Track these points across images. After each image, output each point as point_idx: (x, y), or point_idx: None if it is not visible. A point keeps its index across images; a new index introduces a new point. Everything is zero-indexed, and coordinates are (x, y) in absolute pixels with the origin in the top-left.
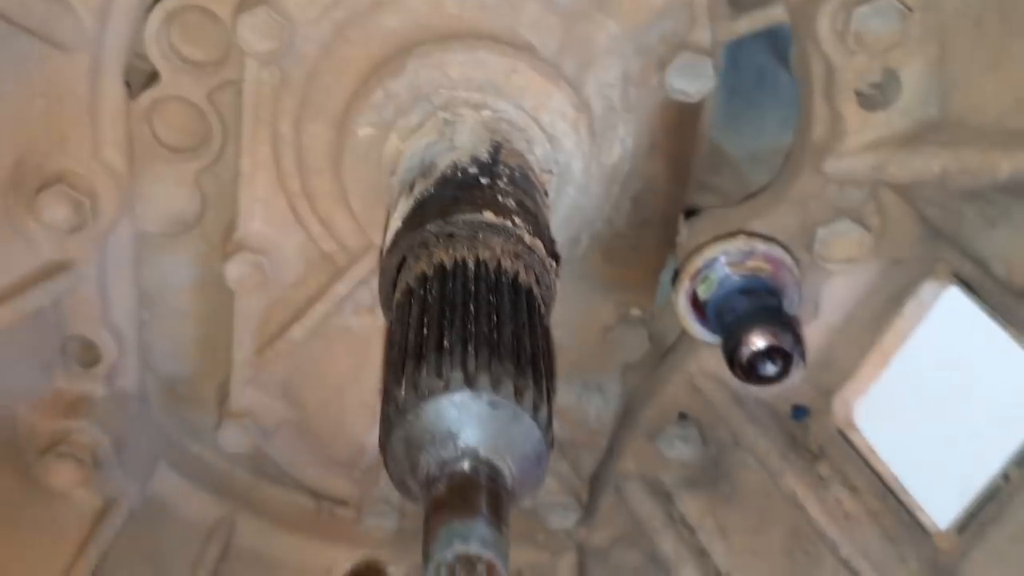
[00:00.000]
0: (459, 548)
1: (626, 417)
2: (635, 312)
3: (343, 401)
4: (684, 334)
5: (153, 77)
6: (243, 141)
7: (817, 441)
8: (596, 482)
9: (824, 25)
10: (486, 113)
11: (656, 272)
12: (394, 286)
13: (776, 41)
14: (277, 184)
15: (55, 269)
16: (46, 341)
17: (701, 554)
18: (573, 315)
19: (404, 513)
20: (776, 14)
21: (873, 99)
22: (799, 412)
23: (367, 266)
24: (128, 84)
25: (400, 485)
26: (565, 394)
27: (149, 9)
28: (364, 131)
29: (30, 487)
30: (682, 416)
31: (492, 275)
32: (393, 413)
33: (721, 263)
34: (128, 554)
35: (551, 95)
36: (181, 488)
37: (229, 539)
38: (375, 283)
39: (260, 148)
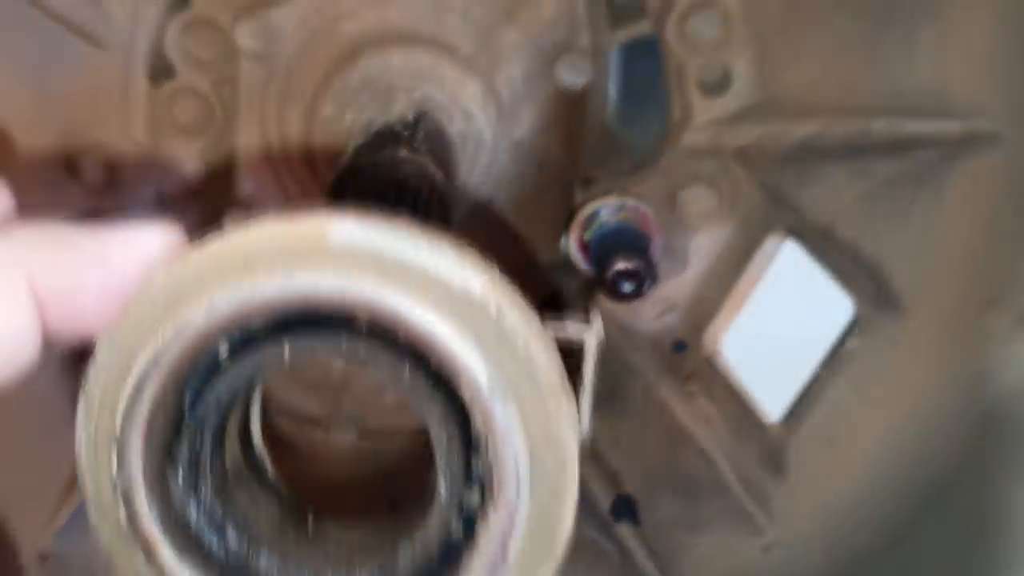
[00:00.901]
0: None
1: None
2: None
3: None
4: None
5: (169, 71)
6: (239, 121)
7: (690, 367)
8: None
9: (671, 31)
10: (416, 95)
11: (557, 225)
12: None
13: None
14: (264, 155)
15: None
16: None
17: (597, 457)
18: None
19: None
20: (644, 27)
21: (713, 88)
22: (679, 346)
23: None
24: (150, 77)
25: None
26: None
27: (169, 18)
28: (327, 111)
29: None
30: None
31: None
32: None
33: (601, 214)
34: None
35: (466, 84)
36: None
37: None
38: None
39: (251, 128)
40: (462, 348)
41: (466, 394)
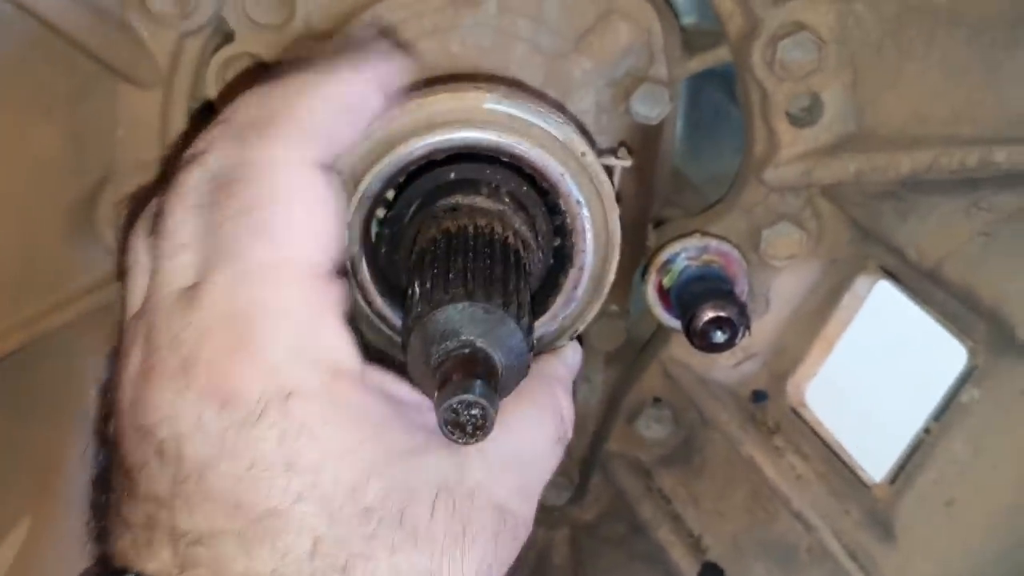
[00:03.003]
0: (462, 396)
1: (610, 403)
2: (614, 307)
3: None
4: (657, 330)
5: (211, 108)
6: None
7: (773, 418)
8: (585, 463)
9: (756, 57)
10: None
11: (629, 273)
12: (411, 254)
13: (728, 82)
14: None
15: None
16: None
17: (676, 519)
18: None
19: None
20: (722, 54)
21: (802, 119)
22: (759, 396)
23: None
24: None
25: (417, 375)
26: None
27: (211, 55)
28: None
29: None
30: (657, 400)
31: (486, 235)
32: (413, 321)
33: (681, 257)
34: None
35: None
36: None
37: None
38: None
39: None
40: (561, 174)
41: (562, 202)
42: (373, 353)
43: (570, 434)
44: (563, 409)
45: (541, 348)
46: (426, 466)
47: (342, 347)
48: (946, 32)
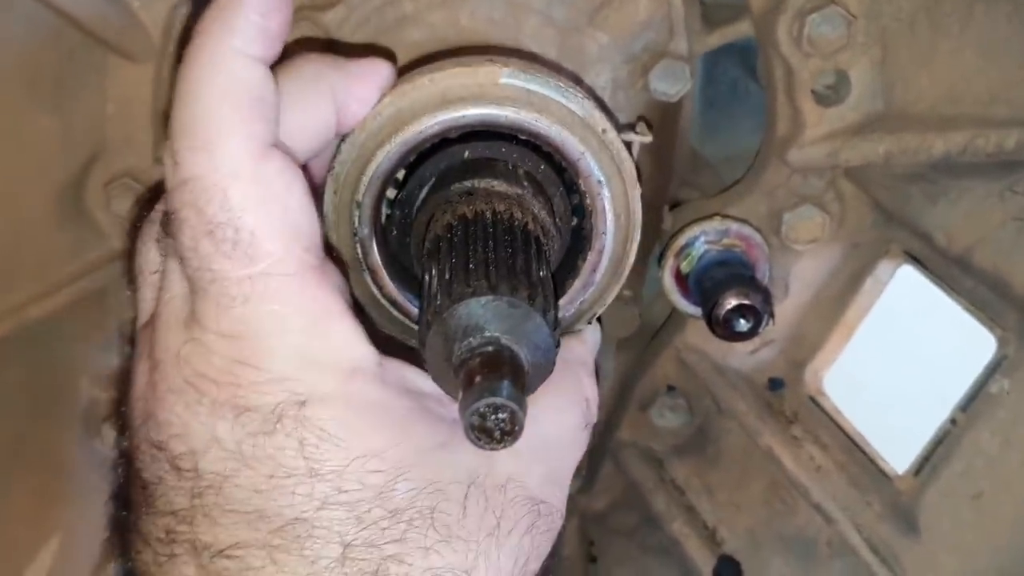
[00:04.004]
0: (489, 399)
1: (622, 391)
2: (626, 292)
3: None
4: (672, 316)
5: None
6: None
7: (791, 407)
8: (595, 452)
9: (782, 32)
10: None
11: (643, 257)
12: (423, 241)
13: (746, 57)
14: None
15: (120, 255)
16: (107, 320)
17: (689, 511)
18: None
19: None
20: (743, 28)
21: (828, 97)
22: (775, 384)
23: None
24: None
25: (437, 372)
26: None
27: None
28: None
29: (91, 452)
30: (671, 388)
31: (506, 221)
32: (432, 316)
33: (700, 241)
34: None
35: None
36: None
37: None
38: None
39: None
40: (582, 152)
41: (581, 181)
42: (382, 339)
43: (595, 417)
44: (588, 393)
45: (561, 331)
46: (454, 461)
47: (353, 343)
48: (985, 8)
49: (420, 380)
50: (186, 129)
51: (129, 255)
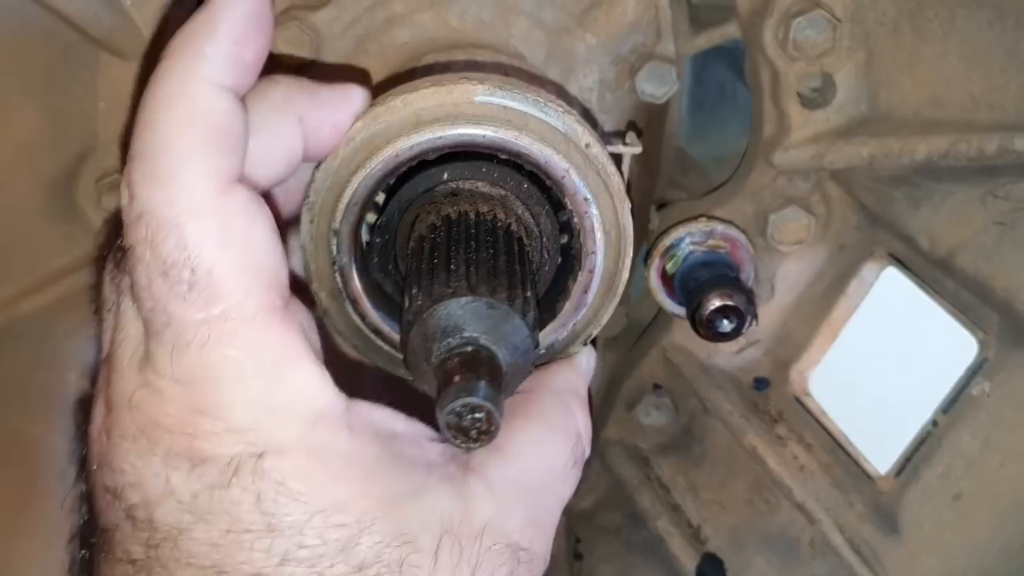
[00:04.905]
0: (465, 399)
1: (608, 389)
2: None
3: None
4: (658, 315)
5: None
6: None
7: (776, 407)
8: None
9: (768, 35)
10: None
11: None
12: (408, 240)
13: (735, 60)
14: None
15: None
16: None
17: (675, 509)
18: None
19: None
20: (730, 30)
21: (813, 100)
22: (761, 384)
23: None
24: None
25: (416, 372)
26: None
27: None
28: None
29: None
30: (657, 387)
31: (489, 222)
32: (412, 316)
33: (686, 242)
34: None
35: None
36: None
37: None
38: None
39: None
40: (566, 169)
41: (567, 199)
42: (364, 371)
43: (588, 452)
44: (579, 427)
45: (552, 356)
46: (426, 508)
47: (317, 390)
48: (967, 14)
49: (393, 421)
50: (143, 158)
51: (95, 285)
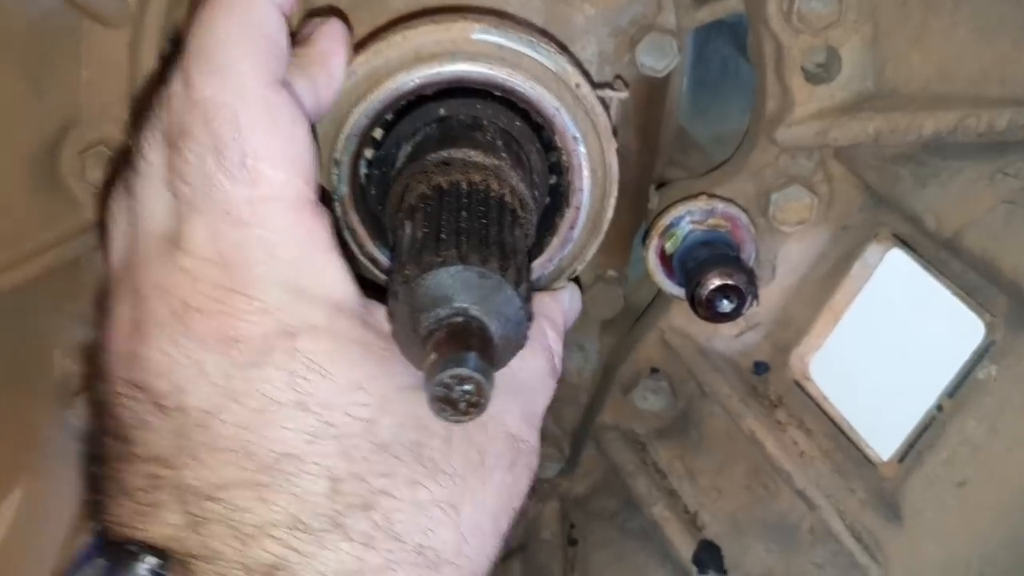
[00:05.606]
0: (454, 370)
1: (605, 373)
2: (611, 273)
3: None
4: (656, 297)
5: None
6: None
7: (776, 392)
8: (577, 435)
9: (772, 7)
10: None
11: (628, 236)
12: (397, 211)
13: (737, 36)
14: None
15: (94, 224)
16: (81, 291)
17: (671, 495)
18: None
19: None
20: (733, 3)
21: (817, 75)
22: (760, 367)
23: None
24: (163, 59)
25: (403, 343)
26: None
27: None
28: None
29: (63, 423)
30: (654, 371)
31: (481, 192)
32: (400, 285)
33: (685, 220)
34: None
35: None
36: None
37: None
38: None
39: None
40: (556, 107)
41: (557, 137)
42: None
43: (559, 372)
44: (553, 347)
45: (537, 290)
46: None
47: (340, 280)
48: None
49: None
50: (202, 54)
51: (100, 212)
